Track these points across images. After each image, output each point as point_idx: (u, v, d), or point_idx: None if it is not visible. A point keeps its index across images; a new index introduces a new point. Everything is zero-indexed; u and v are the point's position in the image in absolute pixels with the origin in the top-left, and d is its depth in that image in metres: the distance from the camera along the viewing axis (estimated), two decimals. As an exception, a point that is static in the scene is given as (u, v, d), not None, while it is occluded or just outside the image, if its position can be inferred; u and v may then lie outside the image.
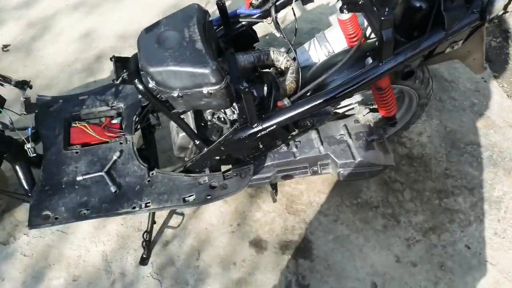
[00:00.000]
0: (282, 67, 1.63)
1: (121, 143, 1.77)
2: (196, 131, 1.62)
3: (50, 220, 1.59)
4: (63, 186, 1.67)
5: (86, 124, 1.84)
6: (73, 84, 2.64)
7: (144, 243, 1.87)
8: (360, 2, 1.38)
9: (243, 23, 1.65)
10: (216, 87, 1.32)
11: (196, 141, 1.62)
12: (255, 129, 1.52)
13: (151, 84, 1.36)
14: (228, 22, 1.62)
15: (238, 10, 1.66)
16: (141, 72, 1.37)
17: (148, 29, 1.42)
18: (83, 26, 2.99)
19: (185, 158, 1.80)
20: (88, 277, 1.89)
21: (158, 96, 1.41)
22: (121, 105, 1.88)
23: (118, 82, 1.47)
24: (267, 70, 1.68)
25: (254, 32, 1.76)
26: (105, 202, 1.63)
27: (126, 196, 1.64)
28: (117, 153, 1.73)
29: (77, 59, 2.78)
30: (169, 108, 1.47)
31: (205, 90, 1.33)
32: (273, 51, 1.62)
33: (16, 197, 1.73)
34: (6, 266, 1.92)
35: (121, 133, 1.80)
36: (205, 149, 1.63)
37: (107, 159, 1.73)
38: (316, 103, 1.46)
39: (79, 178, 1.68)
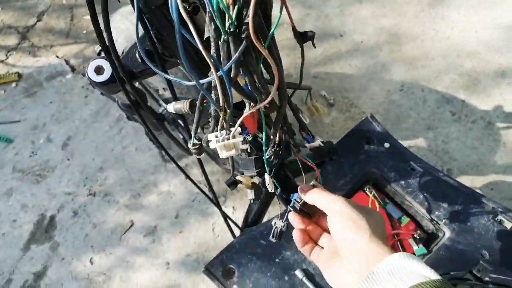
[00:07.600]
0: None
1: None
2: None
3: (229, 280, 1.07)
4: (277, 260, 1.07)
5: (378, 204, 1.10)
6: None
7: None
8: None
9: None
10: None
11: None
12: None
13: None
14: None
15: None
16: None
17: None
18: None
19: None
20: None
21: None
22: (446, 230, 1.01)
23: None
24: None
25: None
26: None
27: None
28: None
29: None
30: None
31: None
32: None
33: (228, 217, 1.18)
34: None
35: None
36: None
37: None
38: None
39: (298, 273, 1.03)
